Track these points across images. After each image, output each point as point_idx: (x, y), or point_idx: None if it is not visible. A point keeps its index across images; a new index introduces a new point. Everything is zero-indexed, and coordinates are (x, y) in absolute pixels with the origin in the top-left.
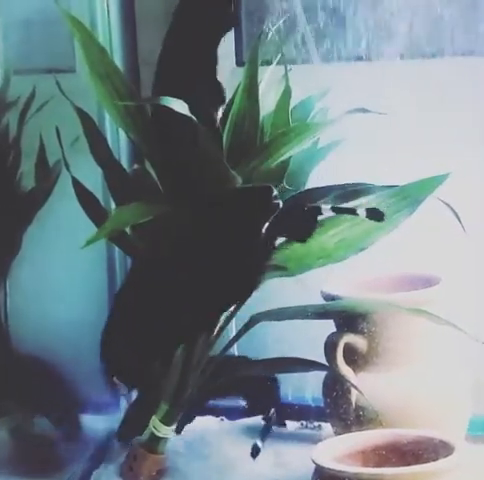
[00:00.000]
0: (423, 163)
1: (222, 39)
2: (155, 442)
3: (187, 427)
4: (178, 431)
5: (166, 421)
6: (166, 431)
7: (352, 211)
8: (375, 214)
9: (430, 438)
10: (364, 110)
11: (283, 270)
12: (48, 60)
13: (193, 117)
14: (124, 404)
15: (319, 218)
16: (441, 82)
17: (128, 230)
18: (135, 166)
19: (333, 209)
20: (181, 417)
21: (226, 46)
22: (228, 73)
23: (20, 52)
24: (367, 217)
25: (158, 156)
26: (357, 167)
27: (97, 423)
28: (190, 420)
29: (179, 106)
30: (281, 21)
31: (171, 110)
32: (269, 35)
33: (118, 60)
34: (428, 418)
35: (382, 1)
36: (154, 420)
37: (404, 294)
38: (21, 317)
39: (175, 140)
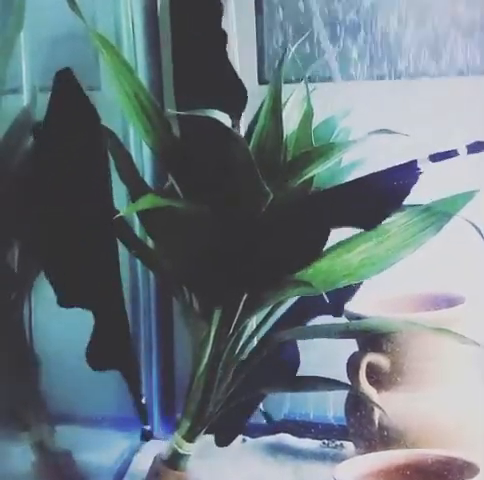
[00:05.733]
0: (448, 182)
1: (244, 57)
2: (177, 459)
3: (208, 444)
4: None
5: (188, 438)
6: (188, 448)
7: None
8: (477, 147)
9: (454, 458)
10: (388, 131)
11: (307, 287)
12: None
13: (234, 130)
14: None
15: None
16: (466, 101)
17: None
18: (168, 183)
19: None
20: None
21: (248, 64)
22: (250, 91)
23: (46, 69)
24: (469, 153)
25: (185, 173)
26: None
27: (119, 439)
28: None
29: (223, 118)
30: (302, 38)
31: (203, 124)
32: (290, 53)
33: (143, 76)
34: (452, 438)
35: (405, 18)
36: (176, 437)
37: (428, 314)
38: (45, 333)
39: (204, 155)
